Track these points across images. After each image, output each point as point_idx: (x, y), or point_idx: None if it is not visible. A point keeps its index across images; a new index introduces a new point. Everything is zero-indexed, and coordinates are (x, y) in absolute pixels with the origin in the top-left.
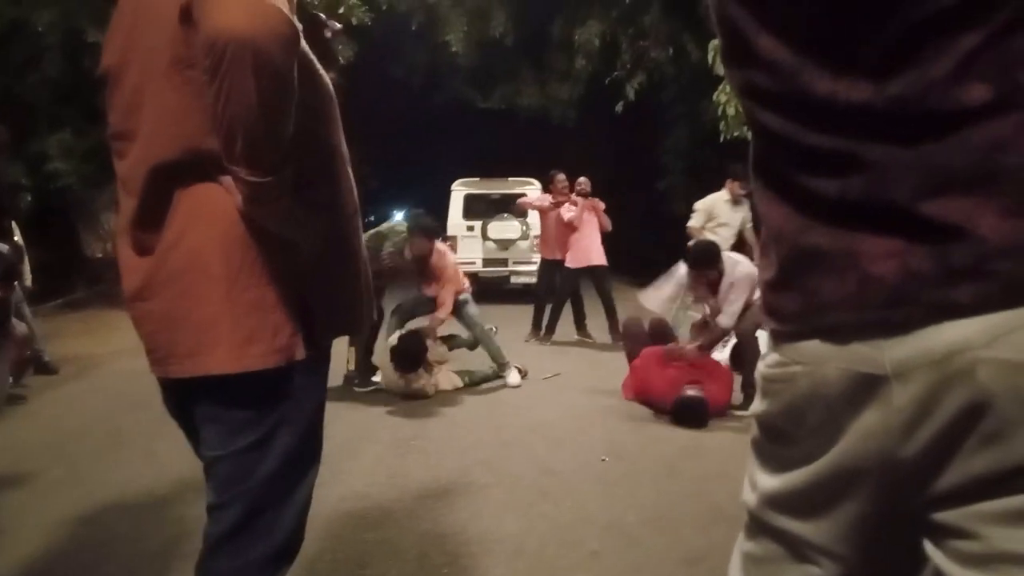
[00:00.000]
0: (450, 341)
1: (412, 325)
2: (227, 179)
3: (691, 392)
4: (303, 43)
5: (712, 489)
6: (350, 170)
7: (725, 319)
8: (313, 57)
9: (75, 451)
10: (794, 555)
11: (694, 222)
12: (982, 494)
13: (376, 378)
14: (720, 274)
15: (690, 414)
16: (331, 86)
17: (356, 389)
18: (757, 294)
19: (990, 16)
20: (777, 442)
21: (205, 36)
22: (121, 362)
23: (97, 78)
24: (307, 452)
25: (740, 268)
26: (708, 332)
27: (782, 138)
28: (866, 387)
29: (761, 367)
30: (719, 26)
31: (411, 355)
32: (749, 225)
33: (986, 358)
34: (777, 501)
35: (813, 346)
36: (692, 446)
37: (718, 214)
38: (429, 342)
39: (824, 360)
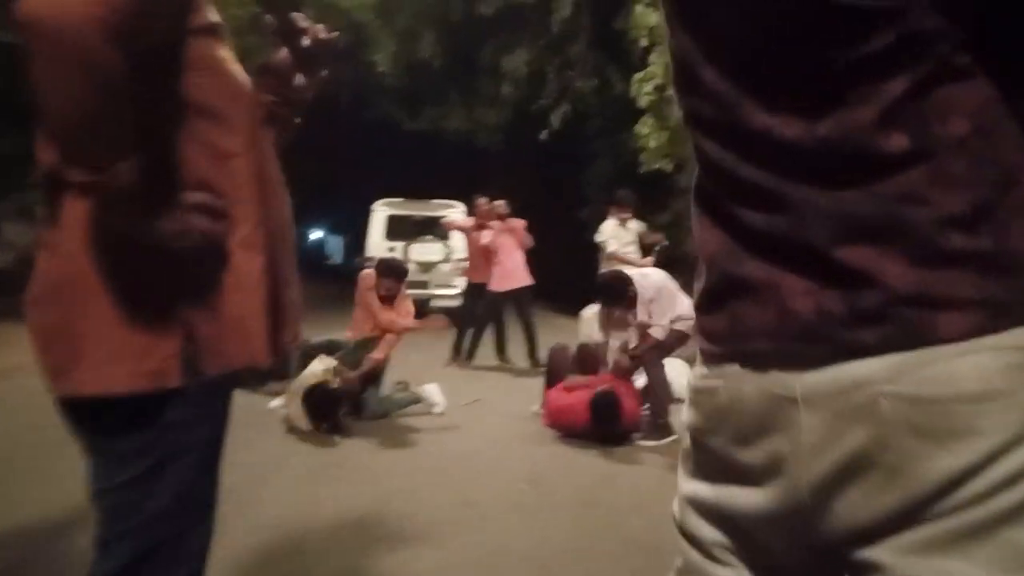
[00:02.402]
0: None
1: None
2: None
3: (604, 387)
4: (212, 42)
5: (628, 520)
6: (276, 184)
7: (658, 331)
8: (225, 56)
9: None
10: (709, 559)
11: (611, 248)
12: (890, 528)
13: (276, 403)
14: (634, 296)
15: (606, 410)
16: (250, 89)
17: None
18: (660, 333)
19: (915, 65)
20: (699, 450)
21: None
22: (17, 380)
23: None
24: (202, 490)
25: (650, 280)
26: (641, 342)
27: (720, 168)
28: (778, 408)
29: (691, 378)
30: (670, 54)
31: (324, 409)
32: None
33: (887, 392)
34: (696, 505)
35: (734, 368)
36: (609, 475)
37: (620, 236)
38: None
39: (743, 380)
